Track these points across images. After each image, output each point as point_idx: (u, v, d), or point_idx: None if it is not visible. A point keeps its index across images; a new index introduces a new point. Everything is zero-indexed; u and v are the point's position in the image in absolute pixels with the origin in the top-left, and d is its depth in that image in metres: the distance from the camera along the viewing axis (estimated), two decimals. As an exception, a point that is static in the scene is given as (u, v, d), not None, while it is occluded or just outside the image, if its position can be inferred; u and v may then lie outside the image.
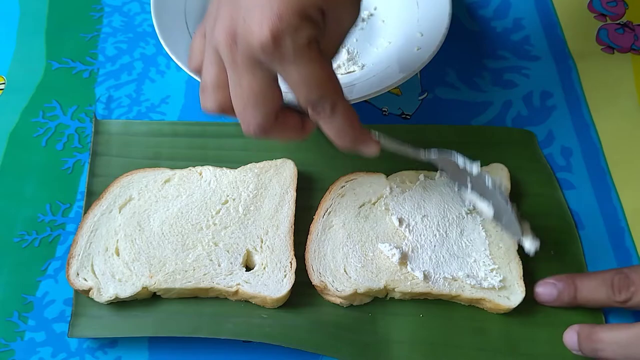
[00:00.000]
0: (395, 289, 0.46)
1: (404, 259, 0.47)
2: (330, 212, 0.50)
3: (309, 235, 0.49)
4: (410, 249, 0.48)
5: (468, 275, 0.46)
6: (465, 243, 0.49)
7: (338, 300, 0.46)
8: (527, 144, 0.58)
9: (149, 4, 0.61)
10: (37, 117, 0.59)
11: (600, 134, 0.59)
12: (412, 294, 0.46)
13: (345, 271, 0.47)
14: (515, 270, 0.47)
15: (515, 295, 0.46)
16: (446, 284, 0.46)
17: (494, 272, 0.47)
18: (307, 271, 0.47)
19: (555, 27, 0.68)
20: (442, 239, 0.49)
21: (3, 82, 0.61)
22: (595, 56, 0.65)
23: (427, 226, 0.49)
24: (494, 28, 0.68)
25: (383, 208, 0.51)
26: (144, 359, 0.46)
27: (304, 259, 0.48)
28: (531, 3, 0.70)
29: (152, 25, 0.59)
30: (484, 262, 0.47)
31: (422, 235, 0.49)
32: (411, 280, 0.46)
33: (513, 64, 0.64)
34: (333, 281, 0.46)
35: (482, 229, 0.50)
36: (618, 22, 0.68)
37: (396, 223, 0.49)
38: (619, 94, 0.62)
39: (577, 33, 0.67)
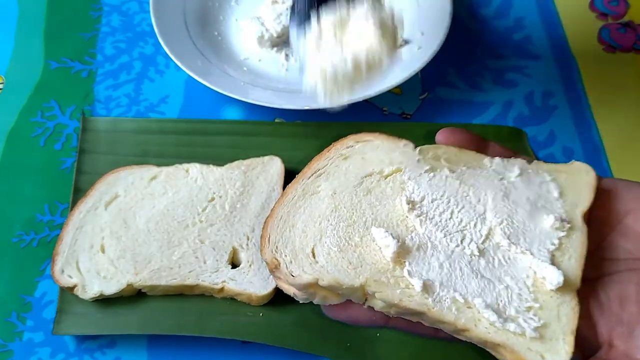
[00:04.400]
0: (377, 295, 0.33)
1: (402, 255, 0.34)
2: (321, 174, 0.38)
3: (280, 197, 0.38)
4: (417, 246, 0.35)
5: (489, 306, 0.32)
6: (501, 260, 0.34)
7: (291, 290, 0.35)
8: (517, 142, 0.57)
9: (148, 4, 0.61)
10: (36, 117, 0.58)
11: (602, 133, 0.59)
12: (399, 307, 0.33)
13: (312, 252, 0.35)
14: (566, 319, 0.32)
15: (554, 356, 0.31)
16: (453, 309, 0.32)
17: (532, 312, 0.32)
18: (261, 240, 0.36)
19: (557, 27, 0.67)
20: (468, 245, 0.35)
21: (1, 81, 0.61)
22: (597, 56, 0.65)
23: (451, 223, 0.36)
24: (496, 27, 0.67)
25: (397, 185, 0.38)
26: (143, 359, 0.46)
27: (264, 225, 0.37)
28: (532, 2, 0.69)
29: (151, 25, 0.59)
30: (520, 293, 0.33)
31: (439, 232, 0.35)
32: (403, 289, 0.33)
33: (514, 64, 0.64)
34: (291, 261, 0.34)
35: (541, 246, 0.35)
36: (620, 21, 0.68)
37: (405, 206, 0.36)
38: (621, 93, 0.62)
39: (578, 32, 0.66)
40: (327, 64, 0.36)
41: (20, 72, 0.61)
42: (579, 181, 0.37)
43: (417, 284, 0.33)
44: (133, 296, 0.47)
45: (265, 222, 0.37)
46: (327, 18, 0.37)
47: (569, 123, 0.60)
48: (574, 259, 0.34)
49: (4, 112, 0.58)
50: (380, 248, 0.35)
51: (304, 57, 0.36)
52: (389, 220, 0.36)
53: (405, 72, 0.56)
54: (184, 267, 0.46)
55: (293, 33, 0.38)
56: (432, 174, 0.38)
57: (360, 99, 0.55)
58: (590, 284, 0.34)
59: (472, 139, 0.39)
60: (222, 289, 0.46)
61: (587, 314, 0.33)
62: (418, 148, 0.39)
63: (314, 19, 0.37)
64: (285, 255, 0.35)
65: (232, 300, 0.47)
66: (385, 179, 0.38)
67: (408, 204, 0.36)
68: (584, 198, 0.36)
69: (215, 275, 0.46)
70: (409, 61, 0.59)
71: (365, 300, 0.34)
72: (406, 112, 0.61)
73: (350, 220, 0.36)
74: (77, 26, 0.65)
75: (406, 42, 0.62)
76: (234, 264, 0.48)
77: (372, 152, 0.40)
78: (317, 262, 0.34)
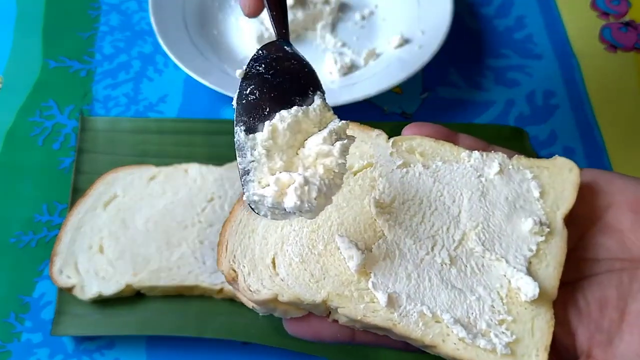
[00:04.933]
0: (339, 310, 0.31)
1: (368, 266, 0.32)
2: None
3: (240, 196, 0.34)
4: (384, 254, 0.32)
5: (459, 321, 0.30)
6: (474, 267, 0.32)
7: (250, 304, 0.33)
8: (518, 141, 0.56)
9: (147, 2, 0.60)
10: (34, 117, 0.58)
11: (603, 132, 0.59)
12: (364, 324, 0.31)
13: (273, 262, 0.32)
14: (540, 333, 0.30)
15: None
16: (420, 324, 0.30)
17: (504, 325, 0.30)
18: (218, 247, 0.33)
19: (558, 26, 0.67)
20: (439, 252, 0.33)
21: (0, 81, 0.61)
22: (599, 55, 0.64)
23: (422, 228, 0.33)
24: (496, 26, 0.67)
25: (367, 183, 0.35)
26: (142, 360, 0.46)
27: (222, 230, 0.34)
28: (533, 1, 0.69)
29: (150, 24, 0.59)
30: (492, 305, 0.31)
31: (408, 238, 0.33)
32: (367, 303, 0.31)
33: (515, 63, 0.64)
34: (249, 273, 0.32)
35: (517, 253, 0.32)
36: (621, 20, 0.67)
37: (373, 210, 0.33)
38: (623, 92, 0.62)
39: (580, 31, 0.66)
40: (287, 184, 0.29)
41: (19, 72, 0.61)
42: (561, 179, 0.34)
43: (381, 299, 0.31)
44: (132, 297, 0.46)
45: (223, 227, 0.33)
46: (282, 120, 0.30)
47: (570, 122, 0.59)
48: (552, 267, 0.32)
49: (2, 111, 0.58)
50: (344, 258, 0.32)
51: (249, 163, 0.29)
52: (356, 224, 0.33)
53: (406, 72, 0.56)
54: (183, 268, 0.46)
55: (239, 133, 0.30)
56: (404, 170, 0.35)
57: (361, 99, 0.55)
58: (569, 288, 0.32)
59: (442, 132, 0.36)
60: (221, 290, 0.45)
61: (565, 321, 0.31)
62: (391, 139, 0.36)
63: (266, 120, 0.31)
64: (244, 266, 0.32)
65: (231, 301, 0.46)
66: (354, 175, 0.35)
67: (377, 207, 0.33)
68: (566, 198, 0.34)
69: (214, 276, 0.46)
70: (409, 60, 0.58)
71: (329, 313, 0.32)
72: (407, 111, 0.60)
73: (314, 225, 0.33)
74: (76, 25, 0.65)
75: (407, 41, 0.61)
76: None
77: None
78: (277, 275, 0.32)
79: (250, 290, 0.31)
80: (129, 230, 0.48)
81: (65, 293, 0.46)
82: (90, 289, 0.45)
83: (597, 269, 0.32)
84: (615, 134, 0.59)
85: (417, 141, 0.36)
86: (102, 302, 0.46)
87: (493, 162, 0.35)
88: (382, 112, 0.60)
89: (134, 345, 0.46)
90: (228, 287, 0.45)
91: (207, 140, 0.55)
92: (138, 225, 0.48)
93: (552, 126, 0.59)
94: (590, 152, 0.57)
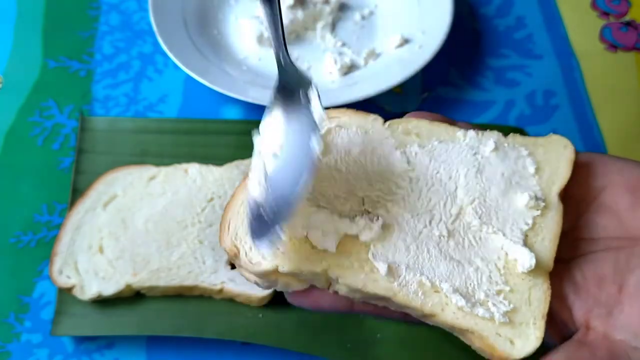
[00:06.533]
0: (340, 280, 0.31)
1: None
2: None
3: (242, 180, 0.36)
4: (381, 226, 0.33)
5: (457, 290, 0.31)
6: (471, 241, 0.33)
7: (253, 279, 0.33)
8: None
9: (147, 2, 0.60)
10: (34, 117, 0.58)
11: (603, 133, 0.59)
12: (364, 293, 0.31)
13: None
14: (537, 303, 0.31)
15: (524, 341, 0.30)
16: (420, 293, 0.31)
17: (502, 295, 0.31)
18: (220, 227, 0.34)
19: (558, 25, 0.67)
20: (437, 226, 0.33)
21: (0, 81, 0.61)
22: (599, 55, 0.64)
23: (420, 203, 0.34)
24: (497, 26, 0.67)
25: None
26: (142, 361, 0.46)
27: (224, 212, 0.35)
28: (534, 1, 0.69)
29: (150, 23, 0.59)
30: (490, 276, 0.32)
31: (406, 213, 0.33)
32: (367, 273, 0.31)
33: (516, 63, 0.64)
34: (251, 248, 0.33)
35: (513, 225, 0.33)
36: (621, 20, 0.67)
37: None
38: (623, 93, 0.62)
39: (580, 31, 0.66)
40: None
41: (19, 71, 0.61)
42: (556, 156, 0.35)
43: (381, 268, 0.31)
44: (132, 297, 0.46)
45: (225, 209, 0.34)
46: None
47: (570, 122, 0.59)
48: (548, 239, 0.33)
49: (2, 111, 0.58)
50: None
51: None
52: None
53: (406, 71, 0.56)
54: (182, 268, 0.46)
55: None
56: (401, 151, 0.36)
57: (361, 99, 0.55)
58: (565, 265, 0.32)
59: (440, 120, 0.37)
60: (221, 290, 0.45)
61: (561, 296, 0.31)
62: (387, 122, 0.37)
63: None
64: (245, 242, 0.32)
65: (231, 301, 0.46)
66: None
67: None
68: (561, 174, 0.34)
69: (214, 276, 0.46)
70: (409, 60, 0.58)
71: (329, 285, 0.33)
72: (407, 111, 0.60)
73: (314, 202, 0.33)
74: (76, 25, 0.65)
75: (407, 41, 0.61)
76: (233, 265, 0.47)
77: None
78: (277, 249, 0.32)
79: (252, 263, 0.32)
80: (128, 230, 0.48)
81: (65, 293, 0.46)
82: (90, 289, 0.45)
83: (593, 248, 0.33)
84: (615, 134, 0.58)
85: (413, 124, 0.37)
86: (102, 302, 0.46)
87: (488, 140, 0.36)
88: (382, 112, 0.60)
89: (134, 345, 0.46)
90: (228, 287, 0.45)
91: (207, 140, 0.55)
92: (138, 225, 0.48)
93: (552, 126, 0.59)
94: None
